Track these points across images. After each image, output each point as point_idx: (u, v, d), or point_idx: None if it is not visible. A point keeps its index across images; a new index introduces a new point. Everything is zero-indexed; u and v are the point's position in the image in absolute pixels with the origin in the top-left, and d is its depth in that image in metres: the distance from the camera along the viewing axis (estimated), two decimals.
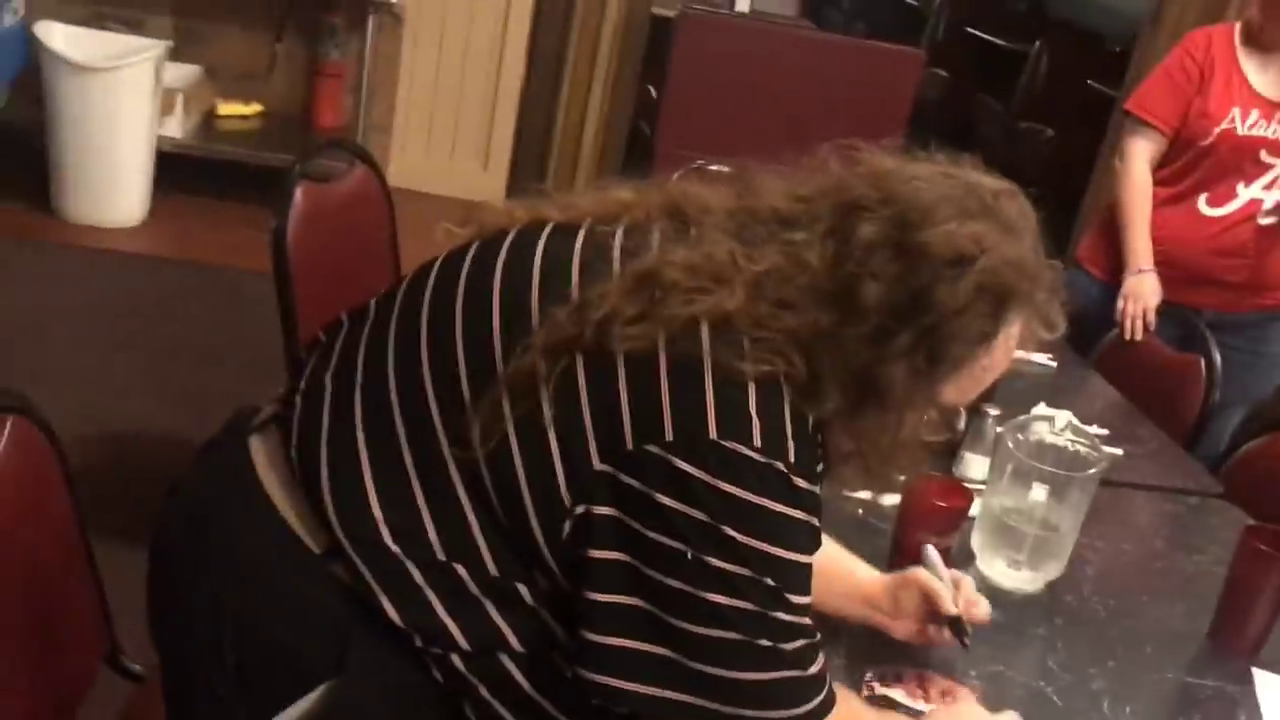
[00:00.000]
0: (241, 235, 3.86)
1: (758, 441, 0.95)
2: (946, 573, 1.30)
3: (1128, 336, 2.54)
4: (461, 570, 1.02)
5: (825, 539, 1.30)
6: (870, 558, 1.38)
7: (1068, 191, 5.07)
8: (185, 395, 2.95)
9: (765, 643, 0.97)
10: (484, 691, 1.05)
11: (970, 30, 7.56)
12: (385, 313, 1.12)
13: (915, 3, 8.38)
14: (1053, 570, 1.52)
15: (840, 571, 1.32)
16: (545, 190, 1.17)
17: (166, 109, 3.97)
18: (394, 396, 1.05)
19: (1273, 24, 2.49)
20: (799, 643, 0.99)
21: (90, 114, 3.67)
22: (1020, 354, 2.30)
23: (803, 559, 0.99)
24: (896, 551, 1.42)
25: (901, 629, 1.30)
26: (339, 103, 4.45)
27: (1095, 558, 1.63)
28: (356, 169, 2.07)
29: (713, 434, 0.94)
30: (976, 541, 1.54)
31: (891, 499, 1.54)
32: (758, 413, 0.96)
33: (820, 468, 1.04)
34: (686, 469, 0.94)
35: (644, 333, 0.97)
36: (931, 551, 1.32)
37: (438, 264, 1.14)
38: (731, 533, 0.94)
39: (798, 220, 1.04)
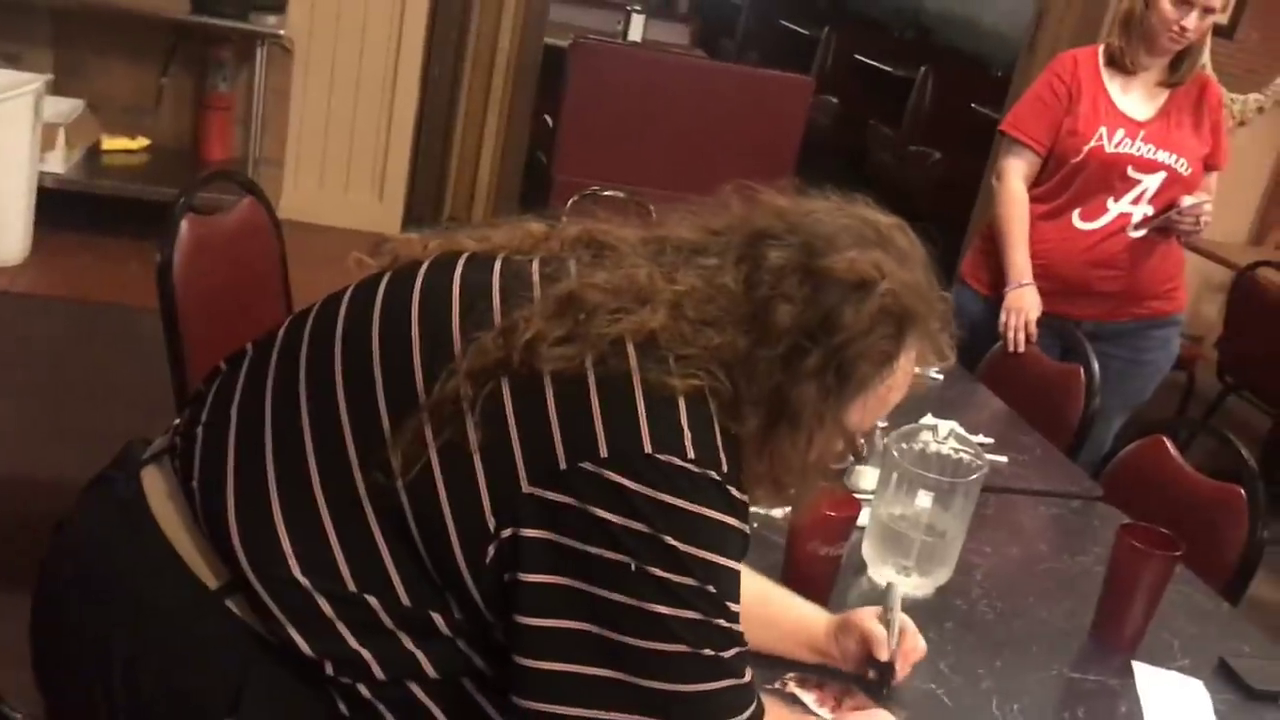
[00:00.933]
0: (129, 272, 3.77)
1: (691, 453, 0.97)
2: (898, 613, 1.31)
3: (1010, 348, 2.62)
4: (373, 601, 1.01)
5: (762, 578, 1.34)
6: (765, 570, 1.40)
7: (955, 211, 5.22)
8: (78, 436, 2.86)
9: (708, 652, 0.98)
10: None
11: (859, 58, 7.75)
12: (294, 342, 1.12)
13: (805, 32, 8.56)
14: (941, 575, 1.56)
15: (783, 613, 1.35)
16: (456, 224, 1.19)
17: (48, 144, 3.87)
18: (306, 426, 1.05)
19: (1134, 49, 2.61)
20: (735, 650, 1.01)
21: None
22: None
23: (737, 566, 1.02)
24: (789, 563, 1.45)
25: (847, 667, 1.33)
26: (228, 136, 4.39)
27: (983, 562, 1.68)
28: (244, 201, 2.05)
29: (647, 448, 0.96)
30: (867, 549, 1.57)
31: (781, 511, 1.57)
32: (689, 425, 0.98)
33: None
34: (624, 483, 0.95)
35: (571, 353, 0.98)
36: (896, 592, 1.33)
37: (349, 293, 1.13)
38: (673, 542, 0.96)
39: (709, 248, 1.08)
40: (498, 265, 1.10)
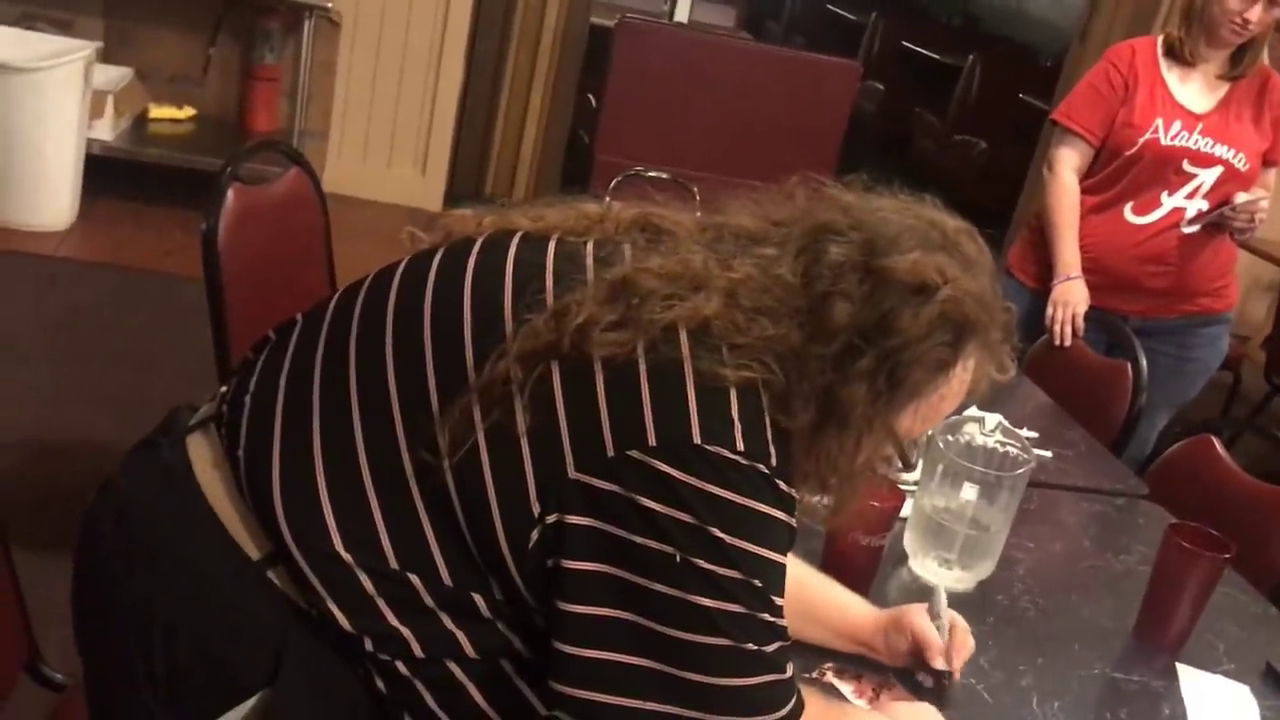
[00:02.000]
0: (174, 240, 3.80)
1: (740, 445, 0.95)
2: (947, 616, 1.29)
3: (1057, 342, 2.59)
4: (415, 580, 1.01)
5: (802, 564, 1.32)
6: (805, 556, 1.38)
7: (1000, 202, 5.16)
8: (118, 403, 2.90)
9: (751, 646, 0.97)
10: (429, 700, 1.04)
11: (906, 44, 7.67)
12: (345, 315, 1.10)
13: (853, 17, 8.49)
14: (984, 570, 1.54)
15: (830, 606, 1.33)
16: (507, 201, 1.18)
17: (96, 111, 3.90)
18: (354, 401, 1.04)
19: (1194, 40, 2.56)
20: (776, 644, 1.00)
21: (18, 115, 3.59)
22: None
23: (782, 560, 1.00)
24: (829, 552, 1.44)
25: (895, 663, 1.32)
26: (274, 108, 4.41)
27: (1025, 557, 1.66)
28: (290, 171, 2.05)
29: (696, 438, 0.95)
30: (909, 541, 1.56)
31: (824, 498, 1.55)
32: (739, 417, 0.96)
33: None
34: (671, 472, 0.94)
35: (623, 339, 0.97)
36: (941, 596, 1.31)
37: (402, 268, 1.12)
38: (719, 534, 0.94)
39: (769, 239, 1.06)
40: (551, 246, 1.09)
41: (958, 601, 1.51)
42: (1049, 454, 2.01)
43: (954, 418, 1.65)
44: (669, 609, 0.95)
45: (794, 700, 1.03)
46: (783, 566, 1.00)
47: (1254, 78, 2.59)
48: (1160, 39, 2.64)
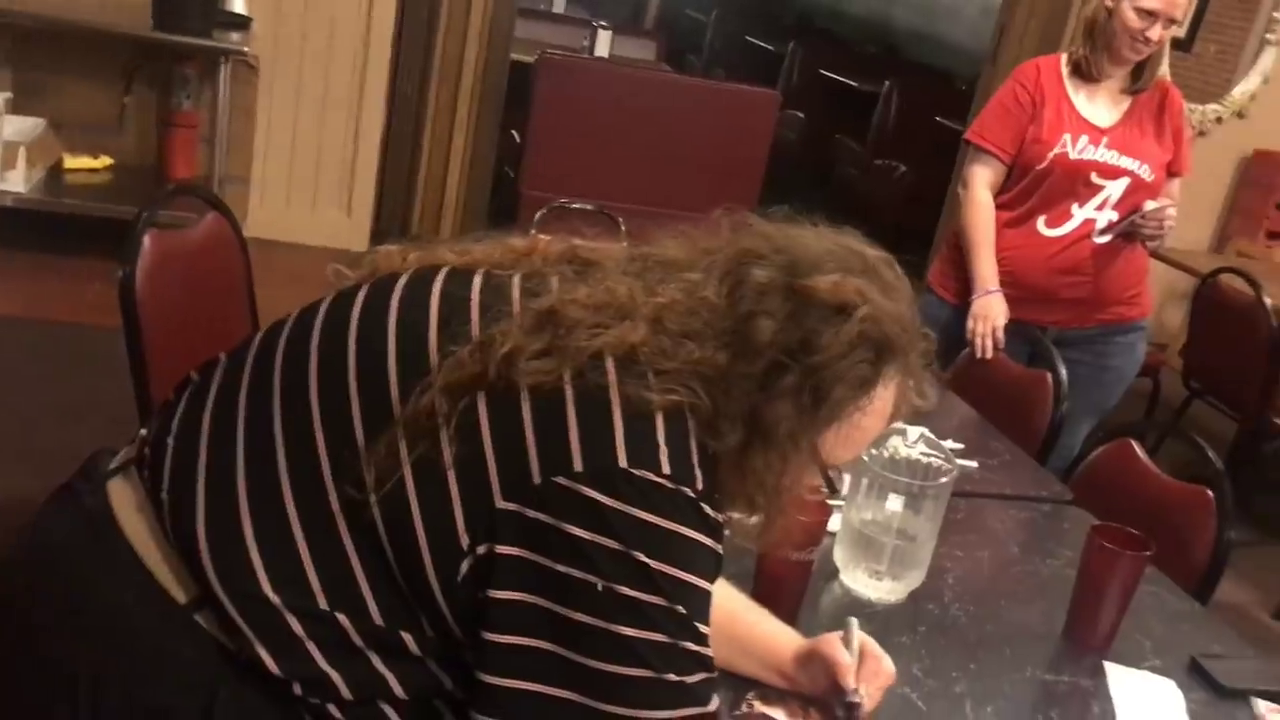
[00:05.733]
0: (93, 292, 3.73)
1: (666, 469, 0.96)
2: (857, 640, 1.27)
3: (978, 355, 2.64)
4: (344, 619, 1.00)
5: (735, 594, 1.32)
6: (737, 576, 1.39)
7: (923, 223, 5.25)
8: (41, 456, 2.82)
9: (673, 677, 0.97)
10: None
11: (824, 73, 7.80)
12: (269, 352, 1.10)
13: (771, 48, 8.61)
14: (914, 579, 1.56)
15: (758, 638, 1.32)
16: (437, 239, 1.18)
17: (8, 163, 3.83)
18: (279, 439, 1.03)
19: (1097, 57, 2.64)
20: (700, 675, 0.99)
21: None
22: None
23: (708, 586, 1.01)
24: (760, 570, 1.45)
25: (816, 693, 1.30)
26: (193, 154, 4.36)
27: (955, 566, 1.68)
28: (208, 216, 2.03)
29: (622, 462, 0.95)
30: (839, 555, 1.57)
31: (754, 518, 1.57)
32: (666, 441, 0.97)
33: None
34: (597, 498, 0.94)
35: (549, 367, 0.98)
36: (853, 623, 1.29)
37: (326, 304, 1.12)
38: (644, 559, 0.95)
39: (694, 265, 1.08)
40: (478, 279, 1.09)
41: (890, 612, 1.53)
42: (975, 464, 2.05)
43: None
44: (591, 639, 0.95)
45: None
46: (708, 593, 1.01)
47: (1154, 92, 2.68)
48: (1065, 57, 2.72)
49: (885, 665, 1.27)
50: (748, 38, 9.07)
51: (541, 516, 0.95)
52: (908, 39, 8.48)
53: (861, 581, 1.55)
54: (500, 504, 0.96)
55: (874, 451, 1.57)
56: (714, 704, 1.02)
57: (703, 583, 0.99)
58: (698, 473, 0.99)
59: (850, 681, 1.23)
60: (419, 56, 4.61)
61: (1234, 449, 3.96)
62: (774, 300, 1.03)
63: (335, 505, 1.00)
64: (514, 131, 4.96)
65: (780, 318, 1.03)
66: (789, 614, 1.42)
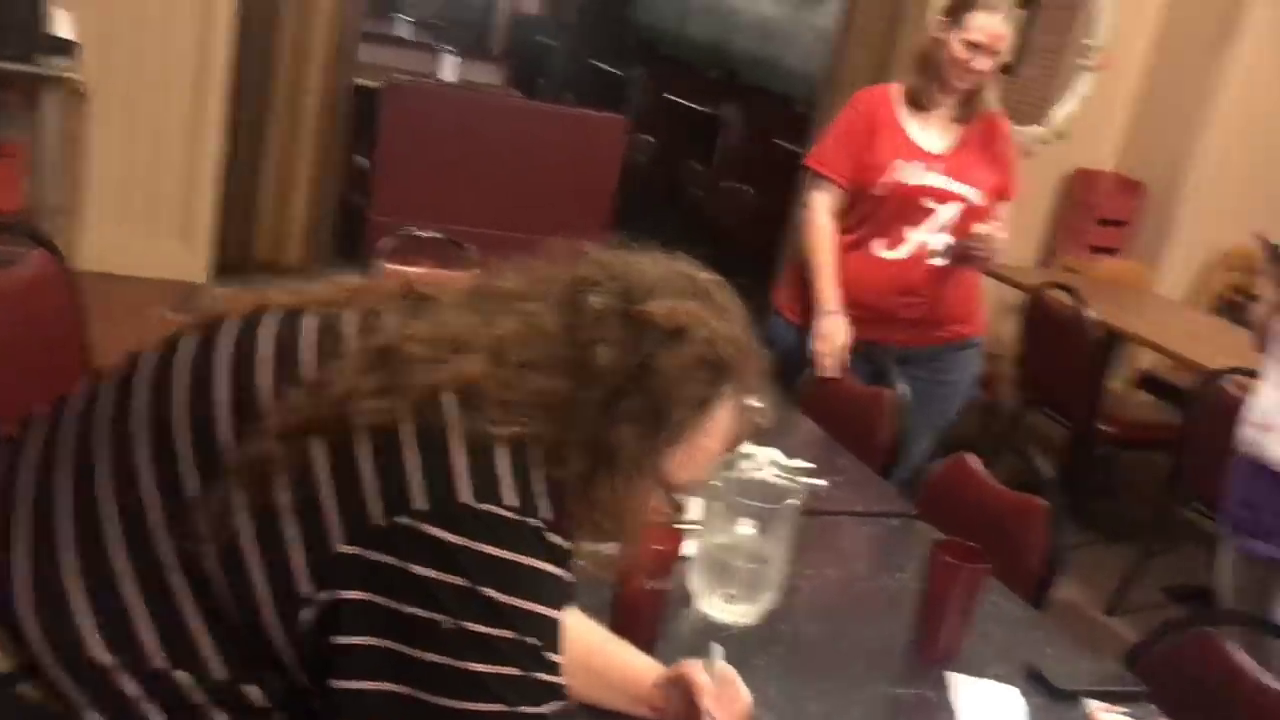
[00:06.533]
0: None
1: (511, 501, 0.96)
2: (719, 667, 1.28)
3: (823, 375, 2.72)
4: (184, 677, 0.96)
5: (594, 627, 1.33)
6: (595, 607, 1.39)
7: (769, 243, 5.36)
8: None
9: (527, 710, 0.96)
10: None
11: (670, 97, 7.90)
12: (93, 403, 1.06)
13: (619, 72, 8.69)
14: (767, 601, 1.59)
15: (617, 669, 1.32)
16: (270, 278, 1.15)
17: None
18: (109, 494, 0.99)
19: (928, 87, 2.75)
20: (553, 704, 0.99)
21: None
22: None
23: (558, 615, 1.01)
24: (616, 600, 1.45)
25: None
26: (16, 186, 4.14)
27: (807, 585, 1.72)
28: (33, 254, 1.95)
29: (464, 498, 0.95)
30: (693, 581, 1.59)
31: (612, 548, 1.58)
32: (509, 473, 0.97)
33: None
34: (440, 535, 0.93)
35: (386, 406, 0.96)
36: (716, 650, 1.30)
37: (155, 352, 1.08)
38: (492, 594, 0.94)
39: (531, 295, 1.09)
40: (310, 320, 1.07)
41: (746, 636, 1.55)
42: (823, 482, 2.10)
43: (728, 456, 1.71)
44: (441, 678, 0.94)
45: None
46: (557, 622, 1.01)
47: (982, 120, 2.81)
48: (898, 86, 2.82)
49: (742, 693, 1.29)
50: (594, 62, 9.13)
51: (385, 558, 0.94)
52: (747, 64, 8.65)
53: (716, 606, 1.57)
54: (342, 548, 0.94)
55: (725, 475, 1.60)
56: None
57: (552, 612, 0.99)
58: (543, 502, 0.99)
59: (707, 702, 1.25)
60: (259, 82, 4.50)
61: (1067, 456, 4.16)
62: (611, 326, 1.05)
63: (170, 559, 0.97)
64: (362, 158, 4.88)
65: (618, 344, 1.04)
66: (646, 643, 1.43)
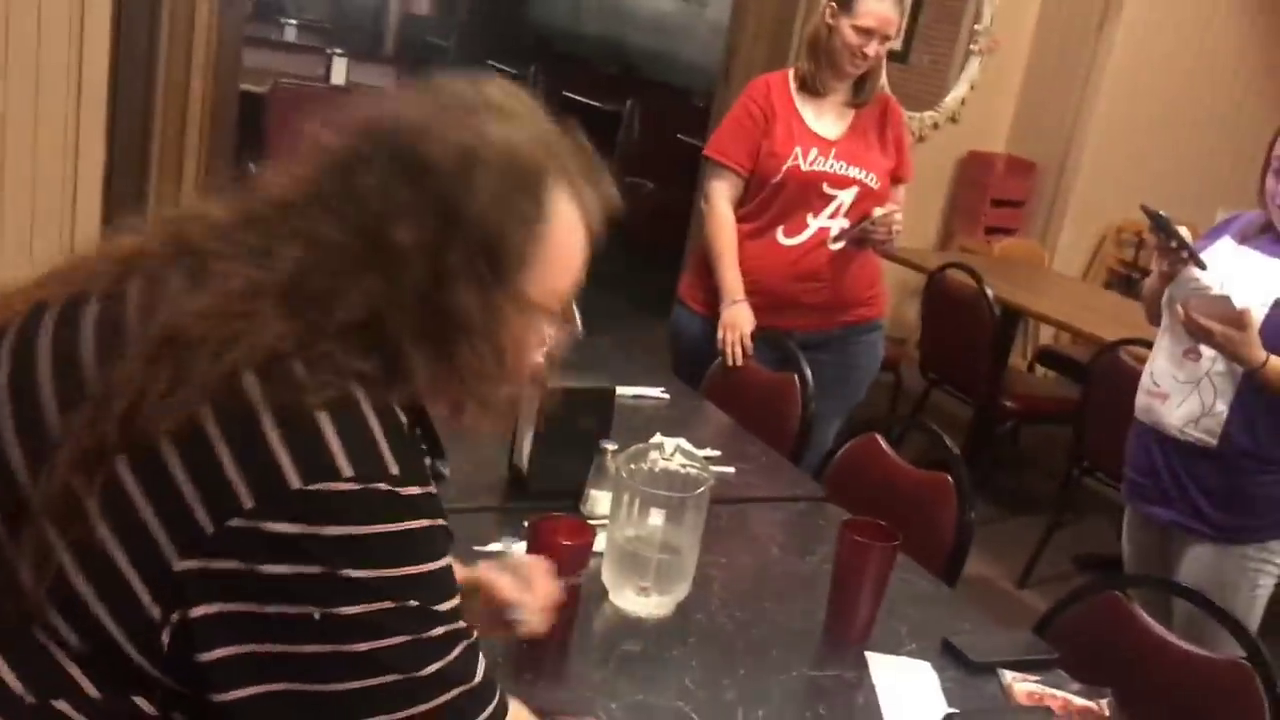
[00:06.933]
0: None
1: (347, 471, 0.88)
2: (514, 560, 1.30)
3: (729, 363, 2.71)
4: (63, 705, 0.90)
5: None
6: None
7: (673, 238, 5.36)
8: None
9: (429, 670, 0.91)
10: None
11: (567, 94, 7.87)
12: None
13: (513, 70, 8.63)
14: (680, 591, 1.58)
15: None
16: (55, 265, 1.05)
17: None
18: None
19: (821, 73, 2.76)
20: (459, 648, 0.94)
21: None
22: (633, 390, 2.37)
23: (439, 565, 0.94)
24: None
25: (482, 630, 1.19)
26: None
27: (719, 573, 1.71)
28: None
29: (294, 484, 0.87)
30: (606, 574, 1.57)
31: (522, 544, 1.55)
32: (337, 439, 0.89)
33: (431, 458, 1.01)
34: (280, 530, 0.86)
35: (181, 404, 0.88)
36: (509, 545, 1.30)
37: None
38: (354, 573, 0.88)
39: (299, 201, 0.97)
40: (89, 316, 0.97)
41: (660, 627, 1.53)
42: (732, 470, 2.10)
43: (636, 446, 1.69)
44: (328, 666, 0.89)
45: (493, 705, 0.97)
46: (439, 571, 0.94)
47: (875, 104, 2.83)
48: (792, 72, 2.83)
49: (541, 566, 1.29)
50: (489, 62, 9.06)
51: (230, 564, 0.87)
52: (644, 58, 8.67)
53: (630, 600, 1.55)
54: (179, 565, 0.87)
55: (634, 467, 1.58)
56: (481, 672, 0.96)
57: (427, 567, 0.93)
58: (387, 456, 0.91)
59: (512, 595, 1.24)
60: (140, 89, 4.36)
61: (971, 433, 4.23)
62: (396, 196, 0.94)
63: (11, 607, 0.90)
64: (252, 164, 4.77)
65: (410, 210, 0.94)
66: (561, 640, 1.40)
